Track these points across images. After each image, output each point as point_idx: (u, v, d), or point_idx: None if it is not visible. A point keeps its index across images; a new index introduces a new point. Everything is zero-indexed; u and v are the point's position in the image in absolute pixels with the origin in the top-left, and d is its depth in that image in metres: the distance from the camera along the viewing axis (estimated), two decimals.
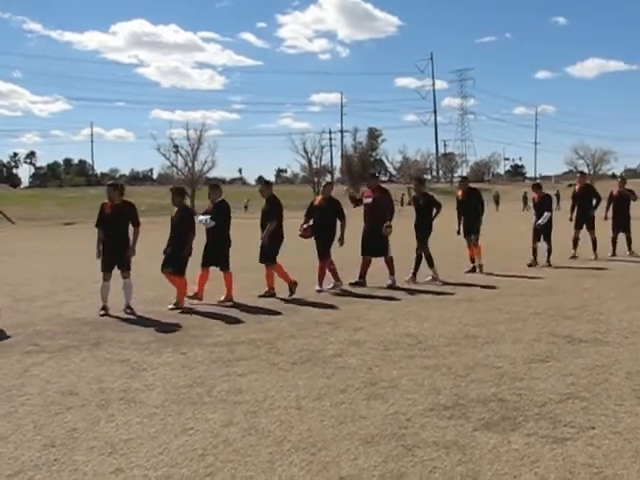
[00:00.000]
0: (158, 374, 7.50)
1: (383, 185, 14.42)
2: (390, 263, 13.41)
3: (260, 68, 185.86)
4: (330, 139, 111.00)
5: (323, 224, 12.92)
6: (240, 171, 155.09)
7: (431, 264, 13.94)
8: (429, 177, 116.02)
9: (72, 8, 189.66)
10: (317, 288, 12.86)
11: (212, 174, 56.33)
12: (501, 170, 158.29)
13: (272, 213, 12.40)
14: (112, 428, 5.89)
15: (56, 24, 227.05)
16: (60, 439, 5.66)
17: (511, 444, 5.25)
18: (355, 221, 13.97)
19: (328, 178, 78.43)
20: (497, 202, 64.08)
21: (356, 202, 13.94)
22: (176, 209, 11.48)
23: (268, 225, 12.31)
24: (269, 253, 12.41)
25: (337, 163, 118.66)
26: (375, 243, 13.24)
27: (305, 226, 12.98)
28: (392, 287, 13.14)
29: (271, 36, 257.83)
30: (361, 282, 13.39)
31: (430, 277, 13.92)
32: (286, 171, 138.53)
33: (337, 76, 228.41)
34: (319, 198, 13.56)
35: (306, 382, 7.04)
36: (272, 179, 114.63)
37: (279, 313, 10.84)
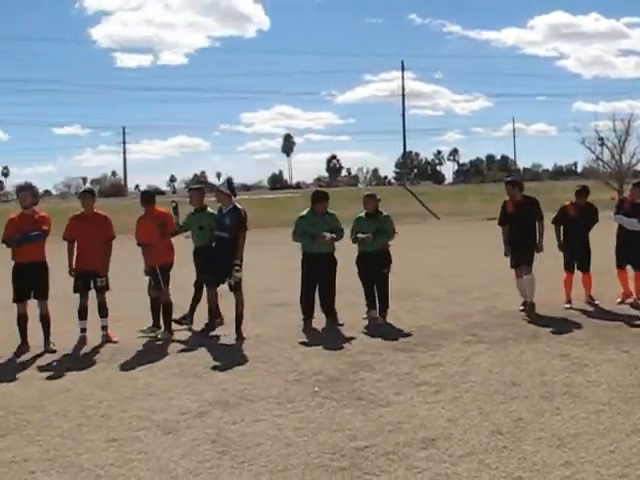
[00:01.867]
0: (602, 371, 7.29)
1: None
2: None
3: None
4: None
5: None
6: None
7: None
8: None
9: (489, 7, 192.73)
10: None
11: None
12: None
13: None
14: (558, 421, 5.86)
15: (474, 24, 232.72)
16: (506, 427, 5.77)
17: None
18: None
19: None
20: None
21: None
22: None
23: None
24: None
25: None
26: None
27: None
28: None
29: None
30: None
31: None
32: None
33: None
34: None
35: None
36: None
37: None
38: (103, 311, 9.78)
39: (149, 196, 10.18)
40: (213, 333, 9.87)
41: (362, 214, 10.48)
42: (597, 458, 5.05)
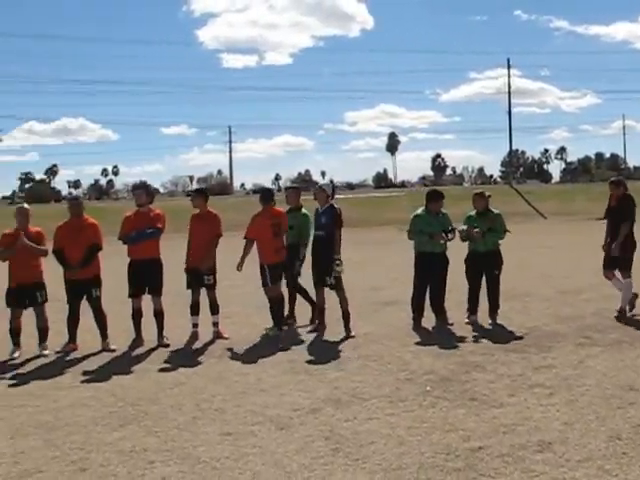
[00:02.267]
0: None
1: None
2: None
3: None
4: None
5: None
6: None
7: None
8: None
9: (598, 1, 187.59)
10: None
11: None
12: None
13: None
14: None
15: (582, 19, 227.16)
16: (625, 433, 5.60)
17: None
18: None
19: None
20: None
21: None
22: None
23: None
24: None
25: None
26: None
27: None
28: None
29: None
30: None
31: None
32: None
33: None
34: None
35: None
36: None
37: None
38: (214, 308, 9.98)
39: (268, 194, 10.32)
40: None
41: (472, 213, 10.33)
42: None
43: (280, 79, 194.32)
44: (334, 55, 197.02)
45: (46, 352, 9.27)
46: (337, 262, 9.63)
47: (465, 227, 10.07)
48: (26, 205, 9.89)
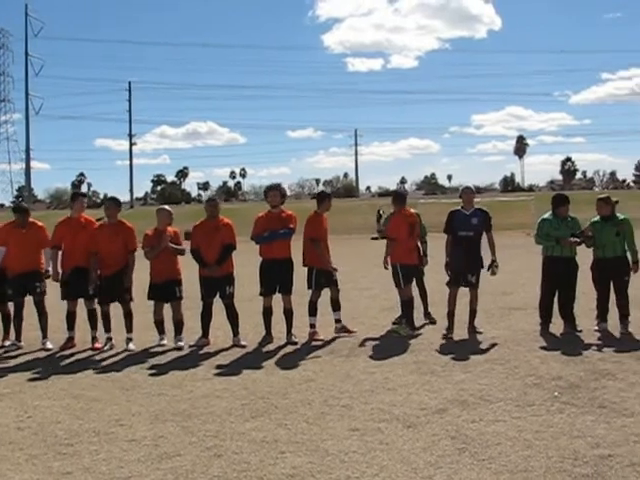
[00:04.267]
0: None
1: None
2: None
3: None
4: None
5: None
6: None
7: None
8: None
9: None
10: None
11: None
12: None
13: None
14: None
15: None
16: None
17: None
18: None
19: None
20: None
21: None
22: None
23: None
24: None
25: None
26: None
27: None
28: None
29: None
30: None
31: None
32: None
33: None
34: None
35: None
36: None
37: None
38: (336, 305, 10.24)
39: (402, 196, 10.55)
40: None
41: (597, 218, 10.06)
42: None
43: (406, 82, 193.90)
44: (460, 57, 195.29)
45: (181, 343, 9.75)
46: (496, 264, 10.14)
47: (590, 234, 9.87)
48: (167, 206, 10.44)
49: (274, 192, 10.02)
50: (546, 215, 10.13)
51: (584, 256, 10.09)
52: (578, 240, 9.81)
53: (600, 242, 9.83)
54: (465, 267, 10.00)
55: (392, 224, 10.29)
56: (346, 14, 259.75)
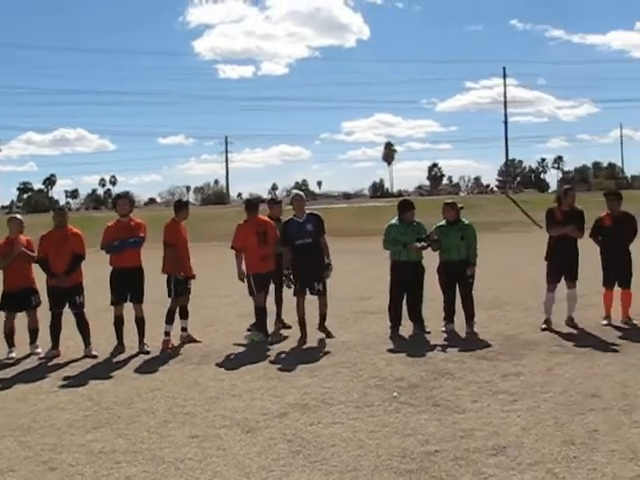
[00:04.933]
0: None
1: None
2: None
3: None
4: None
5: None
6: None
7: None
8: None
9: (594, 10, 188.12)
10: None
11: None
12: None
13: None
14: (635, 434, 5.81)
15: (577, 28, 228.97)
16: (580, 438, 5.76)
17: None
18: None
19: None
20: None
21: None
22: None
23: None
24: None
25: None
26: None
27: None
28: None
29: None
30: None
31: None
32: None
33: None
34: None
35: None
36: None
37: None
38: (184, 313, 10.26)
39: (250, 204, 10.69)
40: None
41: (443, 222, 10.45)
42: None
43: (277, 89, 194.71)
44: (330, 65, 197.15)
45: (38, 350, 9.69)
46: (330, 267, 10.18)
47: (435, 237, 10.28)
48: (18, 215, 10.34)
49: (123, 201, 9.96)
50: (393, 220, 10.44)
51: (430, 259, 10.49)
52: (425, 244, 10.18)
53: (446, 246, 10.23)
54: (310, 275, 10.15)
55: (239, 234, 10.33)
56: (217, 20, 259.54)
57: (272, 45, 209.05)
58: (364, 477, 5.10)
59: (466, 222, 10.40)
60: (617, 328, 10.11)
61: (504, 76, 73.26)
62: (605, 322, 10.55)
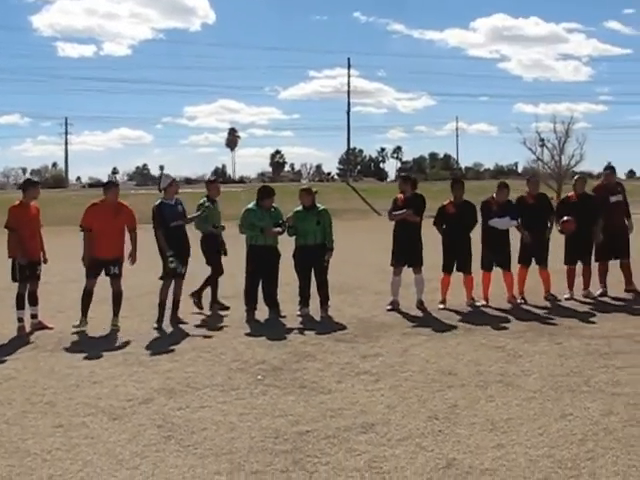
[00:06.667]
0: (534, 361, 7.61)
1: None
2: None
3: (629, 57, 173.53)
4: None
5: None
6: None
7: None
8: None
9: (432, 8, 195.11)
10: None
11: (579, 168, 53.99)
12: None
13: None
14: (492, 407, 6.14)
15: (417, 24, 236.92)
16: (443, 413, 6.03)
17: None
18: None
19: None
20: None
21: None
22: None
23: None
24: None
25: None
26: None
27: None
28: None
29: None
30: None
31: None
32: None
33: None
34: None
35: None
36: None
37: None
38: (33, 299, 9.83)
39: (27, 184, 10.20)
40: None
41: (299, 208, 10.60)
42: (526, 440, 5.33)
43: (118, 70, 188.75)
44: (174, 48, 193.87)
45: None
46: (170, 259, 10.00)
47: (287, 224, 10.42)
48: None
49: None
50: (250, 205, 10.47)
51: (286, 245, 10.60)
52: (280, 230, 10.28)
53: (303, 230, 10.37)
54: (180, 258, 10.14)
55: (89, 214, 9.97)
56: None
57: (115, 25, 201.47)
58: (240, 459, 5.10)
59: (321, 207, 10.57)
60: (458, 312, 10.55)
61: (348, 67, 74.94)
62: (481, 303, 11.12)
